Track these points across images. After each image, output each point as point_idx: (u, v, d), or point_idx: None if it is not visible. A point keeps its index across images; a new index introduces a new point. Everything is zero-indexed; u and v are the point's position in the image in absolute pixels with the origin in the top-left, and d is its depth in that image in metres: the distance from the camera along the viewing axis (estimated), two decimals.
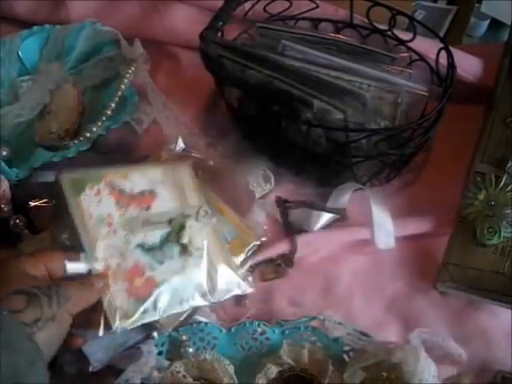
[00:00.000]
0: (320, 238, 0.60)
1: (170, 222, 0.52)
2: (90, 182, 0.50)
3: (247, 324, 0.50)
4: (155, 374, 0.47)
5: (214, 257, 0.52)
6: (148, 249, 0.50)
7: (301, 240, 0.58)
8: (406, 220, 0.60)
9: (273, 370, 0.47)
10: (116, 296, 0.46)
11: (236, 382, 0.47)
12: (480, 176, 0.60)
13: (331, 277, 0.58)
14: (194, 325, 0.49)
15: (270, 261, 0.58)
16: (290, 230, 0.60)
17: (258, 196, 0.63)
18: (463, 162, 0.64)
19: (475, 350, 0.52)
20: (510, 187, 0.58)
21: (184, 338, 0.49)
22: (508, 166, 0.59)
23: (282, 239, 0.59)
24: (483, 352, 0.53)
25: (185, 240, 0.51)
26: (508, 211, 0.57)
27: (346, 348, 0.50)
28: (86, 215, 0.48)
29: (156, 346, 0.48)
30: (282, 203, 0.62)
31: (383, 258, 0.59)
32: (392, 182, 0.65)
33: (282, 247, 0.58)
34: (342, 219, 0.61)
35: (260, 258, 0.57)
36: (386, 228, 0.58)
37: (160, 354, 0.48)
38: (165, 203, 0.52)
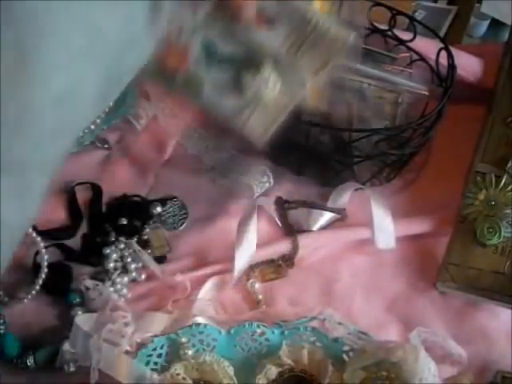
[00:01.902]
0: (320, 237, 0.60)
1: None
2: None
3: (246, 325, 0.50)
4: (154, 375, 0.47)
5: None
6: None
7: (301, 240, 0.58)
8: (406, 220, 0.60)
9: (272, 371, 0.47)
10: None
11: (236, 383, 0.47)
12: (480, 176, 0.60)
13: (331, 277, 0.58)
14: (193, 326, 0.49)
15: (270, 261, 0.58)
16: (290, 230, 0.60)
17: (257, 193, 0.63)
18: (463, 161, 0.64)
19: (475, 350, 0.52)
20: (510, 187, 0.58)
21: (183, 339, 0.49)
22: (508, 165, 0.59)
23: (282, 239, 0.59)
24: (483, 352, 0.52)
25: None
26: (508, 211, 0.57)
27: (346, 348, 0.50)
28: None
29: (155, 348, 0.48)
30: (282, 203, 0.62)
31: (383, 258, 0.59)
32: (392, 181, 0.65)
33: (282, 247, 0.58)
34: (341, 219, 0.61)
35: (260, 258, 0.57)
36: (385, 228, 0.58)
37: (159, 356, 0.48)
38: None
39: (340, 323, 0.52)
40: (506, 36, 0.75)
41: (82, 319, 0.50)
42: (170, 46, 0.45)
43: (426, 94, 0.58)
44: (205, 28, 0.46)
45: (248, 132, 0.48)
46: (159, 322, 0.51)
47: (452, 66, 0.63)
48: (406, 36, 0.68)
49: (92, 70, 0.32)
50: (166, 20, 0.35)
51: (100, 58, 0.32)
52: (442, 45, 0.65)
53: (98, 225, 0.60)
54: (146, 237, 0.59)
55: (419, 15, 0.98)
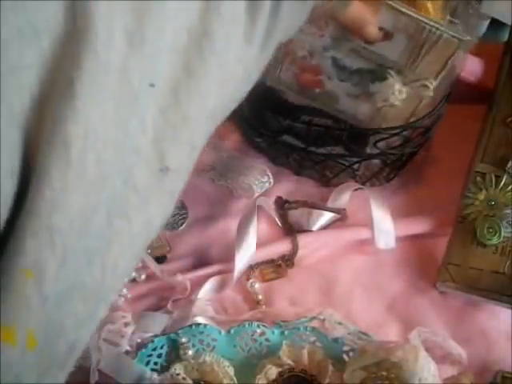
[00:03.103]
0: (320, 238, 0.60)
1: None
2: None
3: (246, 325, 0.50)
4: (154, 376, 0.47)
5: None
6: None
7: (301, 240, 0.58)
8: (406, 220, 0.60)
9: (272, 371, 0.47)
10: None
11: (236, 383, 0.47)
12: (480, 176, 0.60)
13: (331, 277, 0.58)
14: (193, 327, 0.49)
15: (270, 261, 0.58)
16: (290, 230, 0.60)
17: (257, 193, 0.63)
18: (463, 162, 0.64)
19: (475, 350, 0.52)
20: (510, 187, 0.58)
21: (183, 340, 0.49)
22: (508, 165, 0.59)
23: (282, 239, 0.59)
24: (483, 352, 0.52)
25: None
26: (508, 211, 0.57)
27: (346, 348, 0.50)
28: None
29: (155, 348, 0.48)
30: (282, 203, 0.62)
31: (383, 258, 0.59)
32: (392, 181, 0.65)
33: (282, 247, 0.58)
34: (341, 219, 0.61)
35: (260, 258, 0.57)
36: (385, 228, 0.58)
37: (159, 356, 0.48)
38: None
39: (340, 323, 0.52)
40: (506, 36, 0.75)
41: None
42: (304, 64, 0.55)
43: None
44: (333, 48, 0.54)
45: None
46: (159, 322, 0.51)
47: None
48: None
49: (228, 94, 0.36)
50: (272, 49, 0.39)
51: (232, 85, 0.36)
52: None
53: None
54: None
55: None
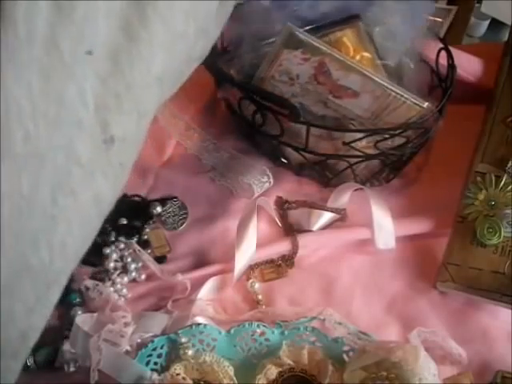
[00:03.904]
0: (320, 238, 0.60)
1: None
2: None
3: (246, 325, 0.50)
4: (154, 376, 0.47)
5: None
6: None
7: (301, 240, 0.58)
8: (405, 220, 0.60)
9: (272, 371, 0.47)
10: None
11: (236, 383, 0.47)
12: (480, 176, 0.60)
13: (331, 277, 0.58)
14: (194, 326, 0.49)
15: (270, 261, 0.58)
16: (291, 230, 0.60)
17: (257, 193, 0.63)
18: (463, 162, 0.64)
19: (475, 350, 0.52)
20: (510, 187, 0.58)
21: (183, 339, 0.49)
22: (508, 165, 0.59)
23: (282, 239, 0.59)
24: (483, 352, 0.52)
25: None
26: (508, 211, 0.57)
27: (346, 348, 0.50)
28: None
29: (155, 348, 0.48)
30: (282, 203, 0.62)
31: (383, 258, 0.59)
32: (392, 181, 0.65)
33: (282, 247, 0.58)
34: (341, 219, 0.61)
35: (260, 258, 0.57)
36: (385, 228, 0.58)
37: (159, 356, 0.48)
38: None
39: (340, 323, 0.52)
40: (506, 36, 0.75)
41: (82, 319, 0.50)
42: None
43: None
44: (301, 96, 0.59)
45: None
46: (159, 322, 0.51)
47: (452, 66, 0.63)
48: None
49: (179, 54, 0.34)
50: (230, 10, 0.37)
51: (182, 45, 0.34)
52: (441, 45, 0.65)
53: None
54: (145, 237, 0.59)
55: None
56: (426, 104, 0.57)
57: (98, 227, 0.33)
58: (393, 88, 0.57)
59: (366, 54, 0.62)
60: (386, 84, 0.57)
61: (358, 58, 0.61)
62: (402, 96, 0.57)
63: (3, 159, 0.27)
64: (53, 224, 0.30)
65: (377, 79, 0.57)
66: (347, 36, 0.61)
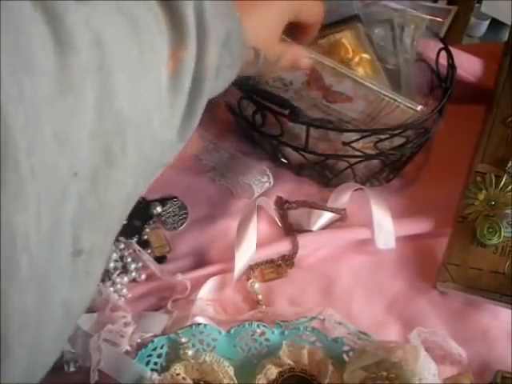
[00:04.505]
0: (320, 237, 0.60)
1: None
2: None
3: (246, 325, 0.50)
4: (154, 376, 0.47)
5: None
6: None
7: (301, 240, 0.58)
8: (406, 220, 0.60)
9: (272, 371, 0.47)
10: None
11: (236, 383, 0.47)
12: (480, 176, 0.60)
13: (331, 277, 0.58)
14: (194, 327, 0.49)
15: (270, 261, 0.58)
16: (290, 230, 0.60)
17: (257, 193, 0.63)
18: (463, 162, 0.64)
19: (475, 350, 0.52)
20: (510, 187, 0.58)
21: (183, 339, 0.49)
22: (508, 165, 0.59)
23: (282, 239, 0.59)
24: (483, 352, 0.52)
25: None
26: (508, 211, 0.57)
27: (346, 348, 0.50)
28: None
29: (155, 348, 0.48)
30: (282, 203, 0.62)
31: (383, 257, 0.59)
32: (392, 182, 0.65)
33: (282, 247, 0.58)
34: (341, 219, 0.61)
35: (260, 258, 0.57)
36: (386, 228, 0.58)
37: (159, 356, 0.48)
38: None
39: (340, 323, 0.52)
40: (506, 36, 0.75)
41: (82, 319, 0.50)
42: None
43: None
44: (295, 100, 0.59)
45: None
46: (159, 322, 0.51)
47: (452, 66, 0.63)
48: None
49: (149, 172, 0.39)
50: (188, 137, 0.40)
51: (152, 163, 0.37)
52: (441, 45, 0.65)
53: None
54: (145, 237, 0.59)
55: None
56: (419, 107, 0.57)
57: (68, 333, 0.36)
58: (385, 93, 0.57)
59: (366, 56, 0.62)
60: (378, 89, 0.57)
61: (357, 59, 0.61)
62: (395, 100, 0.57)
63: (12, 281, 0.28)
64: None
65: (369, 85, 0.57)
66: (346, 37, 0.61)
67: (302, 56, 0.53)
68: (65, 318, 0.33)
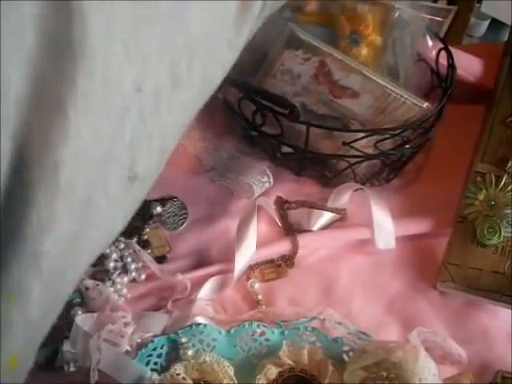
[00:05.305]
0: (320, 238, 0.60)
1: None
2: None
3: (246, 325, 0.50)
4: (154, 376, 0.47)
5: None
6: None
7: (301, 240, 0.58)
8: (406, 220, 0.60)
9: (272, 371, 0.47)
10: None
11: (236, 383, 0.47)
12: (480, 176, 0.60)
13: (331, 277, 0.58)
14: (193, 327, 0.49)
15: (270, 261, 0.58)
16: (290, 230, 0.60)
17: (257, 193, 0.63)
18: (463, 161, 0.64)
19: (475, 350, 0.52)
20: (510, 187, 0.58)
21: (183, 340, 0.49)
22: (508, 165, 0.59)
23: (282, 239, 0.59)
24: (483, 352, 0.52)
25: None
26: (508, 211, 0.57)
27: (346, 348, 0.50)
28: None
29: (155, 348, 0.48)
30: (282, 203, 0.62)
31: (383, 258, 0.59)
32: (392, 181, 0.65)
33: (282, 247, 0.58)
34: (341, 219, 0.61)
35: (260, 258, 0.57)
36: (385, 228, 0.58)
37: (159, 356, 0.48)
38: None
39: (340, 323, 0.52)
40: (506, 36, 0.75)
41: (82, 319, 0.50)
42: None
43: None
44: (302, 95, 0.60)
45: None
46: (159, 322, 0.51)
47: (452, 66, 0.63)
48: None
49: (199, 107, 0.35)
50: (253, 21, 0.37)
51: (197, 52, 0.33)
52: (441, 45, 0.65)
53: None
54: (145, 237, 0.59)
55: None
56: (425, 104, 0.58)
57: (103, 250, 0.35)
58: (392, 88, 0.57)
59: (378, 39, 0.61)
60: (385, 84, 0.57)
61: (370, 39, 0.60)
62: (401, 96, 0.57)
63: (66, 205, 0.27)
64: (80, 256, 0.31)
65: (377, 79, 0.57)
66: (374, 15, 0.61)
67: None
68: (106, 242, 0.32)
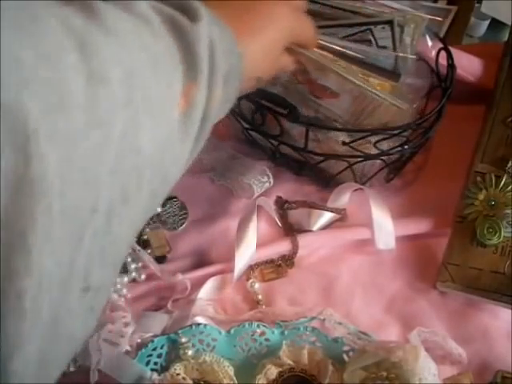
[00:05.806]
0: (320, 237, 0.60)
1: None
2: None
3: (246, 325, 0.50)
4: (154, 376, 0.47)
5: None
6: None
7: (301, 240, 0.58)
8: (406, 220, 0.60)
9: (272, 371, 0.47)
10: None
11: (236, 383, 0.47)
12: (480, 176, 0.60)
13: (331, 277, 0.58)
14: (193, 327, 0.49)
15: (270, 261, 0.58)
16: (290, 230, 0.60)
17: (257, 193, 0.63)
18: (463, 162, 0.64)
19: (475, 350, 0.52)
20: (510, 187, 0.58)
21: (183, 340, 0.49)
22: (508, 165, 0.59)
23: (282, 239, 0.59)
24: (483, 352, 0.52)
25: None
26: (508, 211, 0.57)
27: (346, 348, 0.50)
28: None
29: (155, 348, 0.48)
30: (282, 203, 0.62)
31: (383, 258, 0.59)
32: (392, 181, 0.65)
33: (282, 247, 0.58)
34: (341, 219, 0.61)
35: (260, 258, 0.57)
36: (385, 228, 0.58)
37: (159, 356, 0.48)
38: None
39: (340, 323, 0.52)
40: (506, 36, 0.75)
41: None
42: None
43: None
44: (284, 96, 0.58)
45: None
46: (159, 322, 0.51)
47: (452, 66, 0.63)
48: None
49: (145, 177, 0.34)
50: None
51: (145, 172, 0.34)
52: (441, 45, 0.65)
53: None
54: (145, 237, 0.59)
55: None
56: (405, 106, 0.57)
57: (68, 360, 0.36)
58: (369, 88, 0.56)
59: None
60: (362, 84, 0.56)
61: None
62: (379, 96, 0.56)
63: (33, 326, 0.28)
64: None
65: (353, 79, 0.56)
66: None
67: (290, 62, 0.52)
68: (69, 350, 0.33)
